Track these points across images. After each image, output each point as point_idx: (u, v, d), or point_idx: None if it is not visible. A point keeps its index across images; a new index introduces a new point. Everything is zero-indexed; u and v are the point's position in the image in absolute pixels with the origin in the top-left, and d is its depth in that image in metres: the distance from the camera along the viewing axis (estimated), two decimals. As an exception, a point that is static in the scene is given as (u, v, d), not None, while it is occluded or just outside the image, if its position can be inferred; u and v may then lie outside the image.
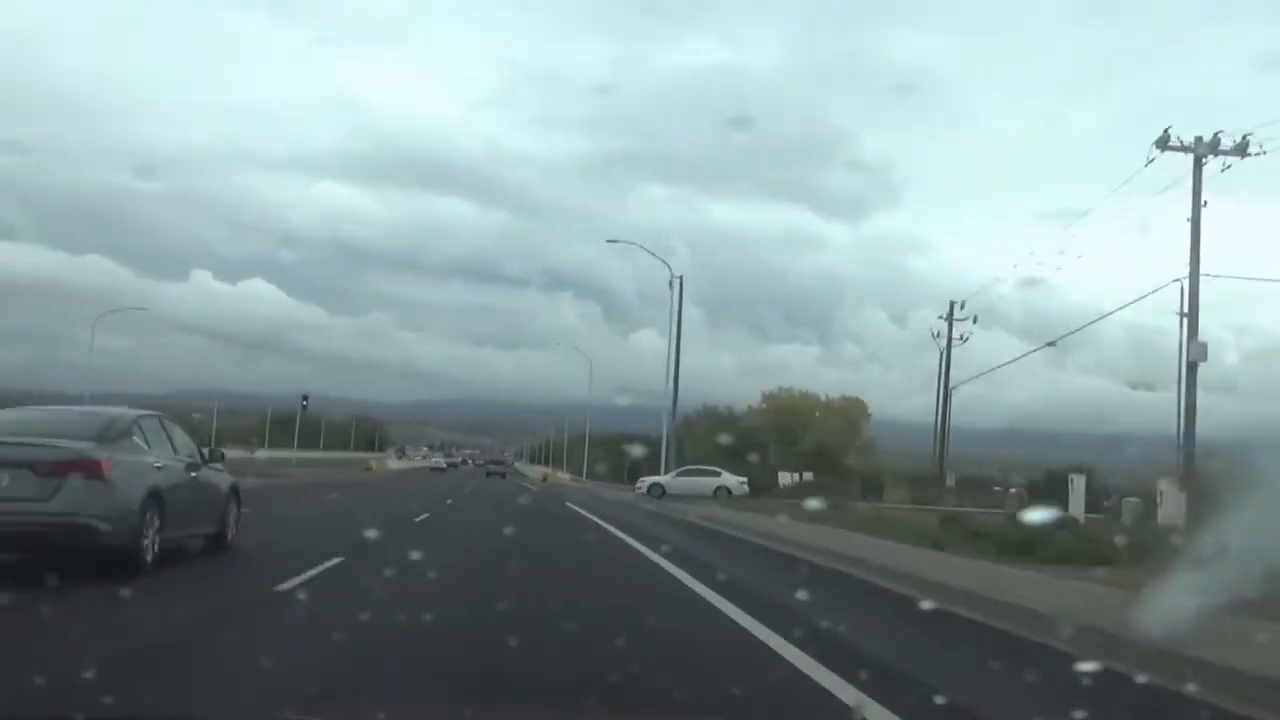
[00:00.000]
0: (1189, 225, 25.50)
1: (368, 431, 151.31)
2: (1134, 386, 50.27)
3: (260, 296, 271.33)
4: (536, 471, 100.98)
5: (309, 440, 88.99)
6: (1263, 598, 5.96)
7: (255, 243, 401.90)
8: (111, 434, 8.70)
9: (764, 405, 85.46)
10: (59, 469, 7.90)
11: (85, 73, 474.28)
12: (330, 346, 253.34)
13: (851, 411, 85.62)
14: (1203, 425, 25.31)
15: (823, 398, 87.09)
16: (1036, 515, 15.82)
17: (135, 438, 8.97)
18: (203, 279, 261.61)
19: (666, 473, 41.64)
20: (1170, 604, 5.40)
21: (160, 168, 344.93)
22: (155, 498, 8.70)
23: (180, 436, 10.24)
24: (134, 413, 9.60)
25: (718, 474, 42.28)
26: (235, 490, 11.24)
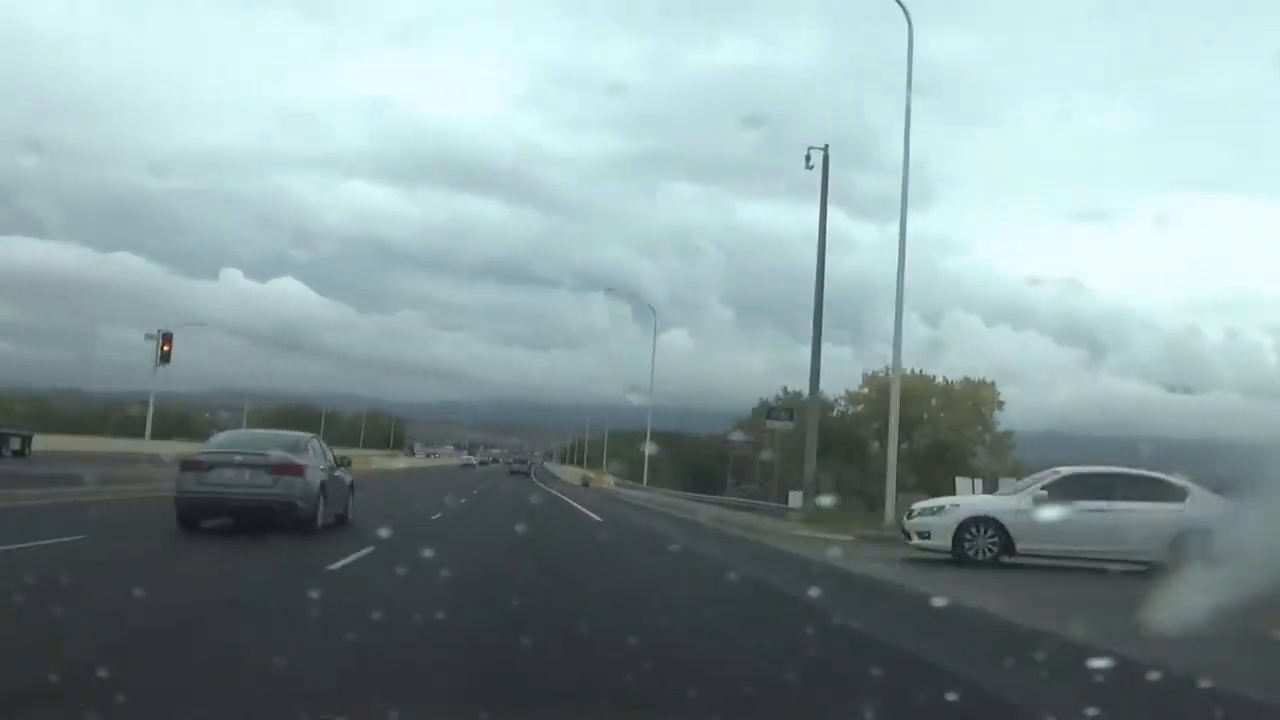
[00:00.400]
0: None
1: (383, 428, 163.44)
2: (1172, 390, 56.65)
3: (290, 295, 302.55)
4: (572, 473, 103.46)
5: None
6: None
7: (286, 241, 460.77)
8: (299, 448, 18.10)
9: (865, 390, 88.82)
10: (278, 469, 17.21)
11: (116, 72, 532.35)
12: (360, 345, 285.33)
13: (978, 397, 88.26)
14: (1254, 429, 32.23)
15: (940, 380, 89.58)
16: None
17: (310, 450, 18.37)
18: (233, 277, 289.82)
19: (977, 490, 27.31)
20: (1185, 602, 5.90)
21: (191, 167, 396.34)
22: (322, 488, 18.00)
23: (326, 449, 19.63)
24: (308, 435, 19.18)
25: (1180, 494, 18.67)
26: (352, 485, 20.69)
